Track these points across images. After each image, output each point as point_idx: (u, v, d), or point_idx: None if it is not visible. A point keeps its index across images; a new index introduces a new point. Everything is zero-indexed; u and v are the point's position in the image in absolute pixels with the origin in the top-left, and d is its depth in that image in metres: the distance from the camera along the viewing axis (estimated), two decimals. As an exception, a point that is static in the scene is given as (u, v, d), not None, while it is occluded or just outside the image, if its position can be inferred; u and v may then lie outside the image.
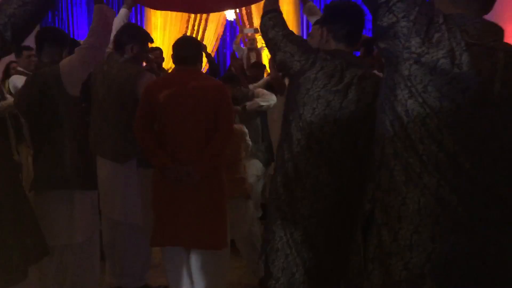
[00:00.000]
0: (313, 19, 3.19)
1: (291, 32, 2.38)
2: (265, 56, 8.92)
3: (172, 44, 3.04)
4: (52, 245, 2.61)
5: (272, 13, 2.44)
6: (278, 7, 2.50)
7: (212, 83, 2.99)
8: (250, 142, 3.66)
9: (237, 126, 3.61)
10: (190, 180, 2.79)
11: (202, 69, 3.10)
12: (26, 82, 2.94)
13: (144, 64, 3.93)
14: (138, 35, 3.40)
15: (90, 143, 3.24)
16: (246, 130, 3.66)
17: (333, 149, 2.18)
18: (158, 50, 5.93)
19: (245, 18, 8.93)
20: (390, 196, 1.57)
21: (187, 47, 2.96)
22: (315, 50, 2.27)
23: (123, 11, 3.73)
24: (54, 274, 2.87)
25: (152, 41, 3.61)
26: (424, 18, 1.50)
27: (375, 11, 1.58)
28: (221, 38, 9.75)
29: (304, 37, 5.25)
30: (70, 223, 2.78)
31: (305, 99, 2.20)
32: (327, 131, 2.17)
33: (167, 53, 8.76)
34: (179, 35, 8.50)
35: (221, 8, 4.72)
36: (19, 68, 5.04)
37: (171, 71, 3.15)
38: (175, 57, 2.98)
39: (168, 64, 8.56)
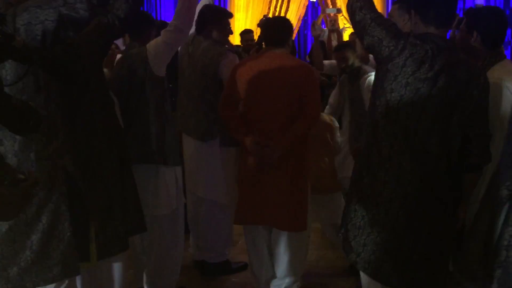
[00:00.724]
0: None
1: (380, 15, 2.32)
2: (347, 38, 8.74)
3: (255, 24, 3.06)
4: None
5: None
6: None
7: (299, 64, 2.96)
8: (339, 139, 3.54)
9: (328, 117, 3.52)
10: (271, 156, 2.80)
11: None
12: (117, 63, 3.08)
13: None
14: (213, 17, 3.42)
15: (178, 121, 3.36)
16: (336, 125, 3.52)
17: (418, 136, 2.15)
18: (251, 33, 6.02)
19: (327, -3, 8.79)
20: None
21: (278, 28, 2.95)
22: (405, 35, 2.21)
23: (207, -8, 3.80)
24: (141, 244, 3.03)
25: (231, 15, 3.64)
26: None
27: None
28: (302, 19, 9.66)
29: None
30: (156, 195, 2.90)
31: (393, 85, 2.18)
32: (414, 118, 2.15)
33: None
34: (261, 16, 8.52)
35: None
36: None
37: (260, 52, 3.16)
38: (265, 38, 2.99)
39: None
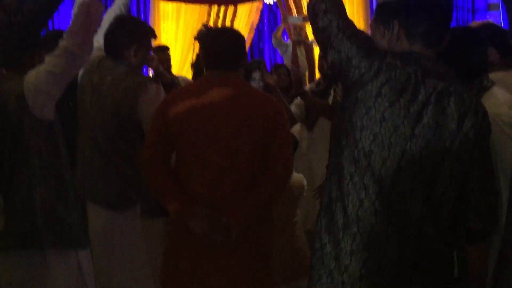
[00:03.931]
0: None
1: (351, 24, 2.40)
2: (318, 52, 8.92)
3: (189, 37, 3.05)
4: None
5: None
6: None
7: (261, 96, 2.94)
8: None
9: (298, 176, 3.58)
10: (225, 237, 2.71)
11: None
12: None
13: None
14: (139, 32, 3.45)
15: (77, 183, 3.31)
16: (305, 183, 3.67)
17: (397, 191, 2.22)
18: (167, 51, 5.94)
19: (290, 0, 8.98)
20: None
21: (226, 43, 2.90)
22: (381, 54, 2.29)
23: (121, -4, 3.81)
24: None
25: (155, 36, 3.68)
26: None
27: None
28: (256, 28, 9.84)
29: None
30: None
31: (364, 120, 2.24)
32: (391, 167, 2.22)
33: (181, 52, 8.88)
34: (198, 26, 8.59)
35: None
36: None
37: (199, 79, 3.13)
38: (207, 58, 2.92)
39: (182, 68, 8.64)
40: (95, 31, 2.88)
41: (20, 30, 2.04)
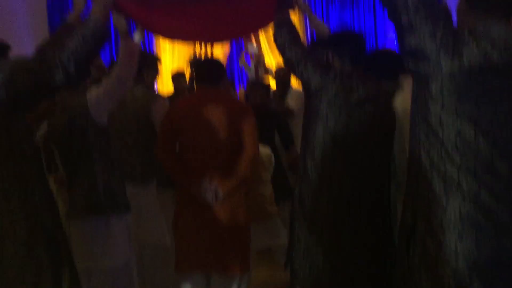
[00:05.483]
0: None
1: (305, 50, 2.47)
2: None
3: (182, 65, 3.06)
4: (86, 266, 2.65)
5: (287, 26, 2.47)
6: (290, 16, 2.53)
7: (236, 101, 2.99)
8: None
9: (265, 149, 3.55)
10: (215, 198, 2.77)
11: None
12: (56, 112, 2.97)
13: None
14: (146, 61, 3.43)
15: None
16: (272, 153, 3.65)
17: (357, 157, 2.34)
18: (183, 77, 5.87)
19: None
20: (431, 206, 1.59)
21: (210, 67, 2.95)
22: (333, 68, 2.40)
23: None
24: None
25: (160, 61, 3.70)
26: (450, 36, 1.54)
27: (400, 33, 1.62)
28: (228, 56, 9.80)
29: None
30: (107, 247, 2.77)
31: (327, 110, 2.34)
32: (349, 142, 2.32)
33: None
34: (187, 55, 8.53)
35: (231, 36, 4.57)
36: None
37: (194, 92, 3.14)
38: (198, 77, 2.97)
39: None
40: (136, 62, 2.75)
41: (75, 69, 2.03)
